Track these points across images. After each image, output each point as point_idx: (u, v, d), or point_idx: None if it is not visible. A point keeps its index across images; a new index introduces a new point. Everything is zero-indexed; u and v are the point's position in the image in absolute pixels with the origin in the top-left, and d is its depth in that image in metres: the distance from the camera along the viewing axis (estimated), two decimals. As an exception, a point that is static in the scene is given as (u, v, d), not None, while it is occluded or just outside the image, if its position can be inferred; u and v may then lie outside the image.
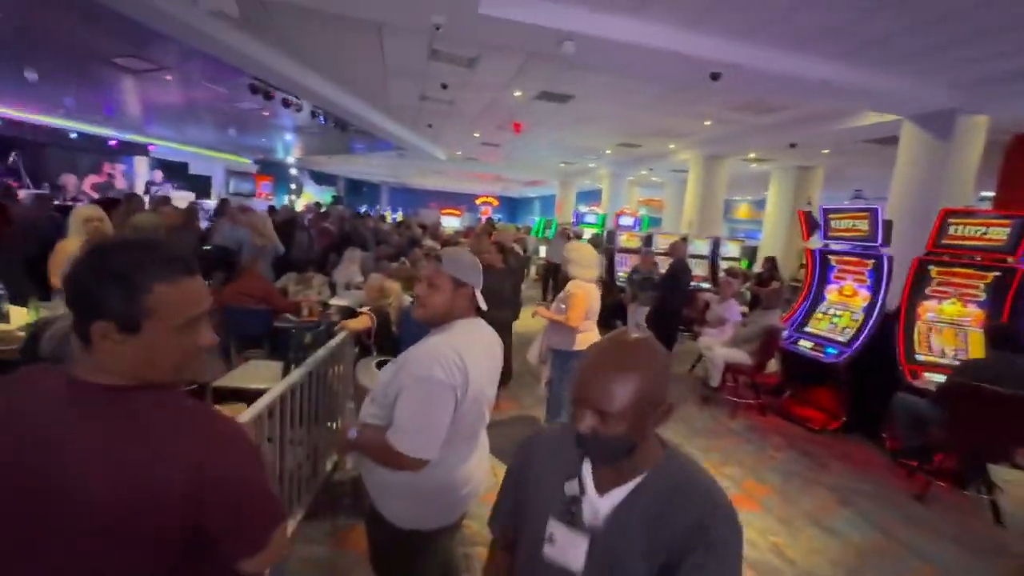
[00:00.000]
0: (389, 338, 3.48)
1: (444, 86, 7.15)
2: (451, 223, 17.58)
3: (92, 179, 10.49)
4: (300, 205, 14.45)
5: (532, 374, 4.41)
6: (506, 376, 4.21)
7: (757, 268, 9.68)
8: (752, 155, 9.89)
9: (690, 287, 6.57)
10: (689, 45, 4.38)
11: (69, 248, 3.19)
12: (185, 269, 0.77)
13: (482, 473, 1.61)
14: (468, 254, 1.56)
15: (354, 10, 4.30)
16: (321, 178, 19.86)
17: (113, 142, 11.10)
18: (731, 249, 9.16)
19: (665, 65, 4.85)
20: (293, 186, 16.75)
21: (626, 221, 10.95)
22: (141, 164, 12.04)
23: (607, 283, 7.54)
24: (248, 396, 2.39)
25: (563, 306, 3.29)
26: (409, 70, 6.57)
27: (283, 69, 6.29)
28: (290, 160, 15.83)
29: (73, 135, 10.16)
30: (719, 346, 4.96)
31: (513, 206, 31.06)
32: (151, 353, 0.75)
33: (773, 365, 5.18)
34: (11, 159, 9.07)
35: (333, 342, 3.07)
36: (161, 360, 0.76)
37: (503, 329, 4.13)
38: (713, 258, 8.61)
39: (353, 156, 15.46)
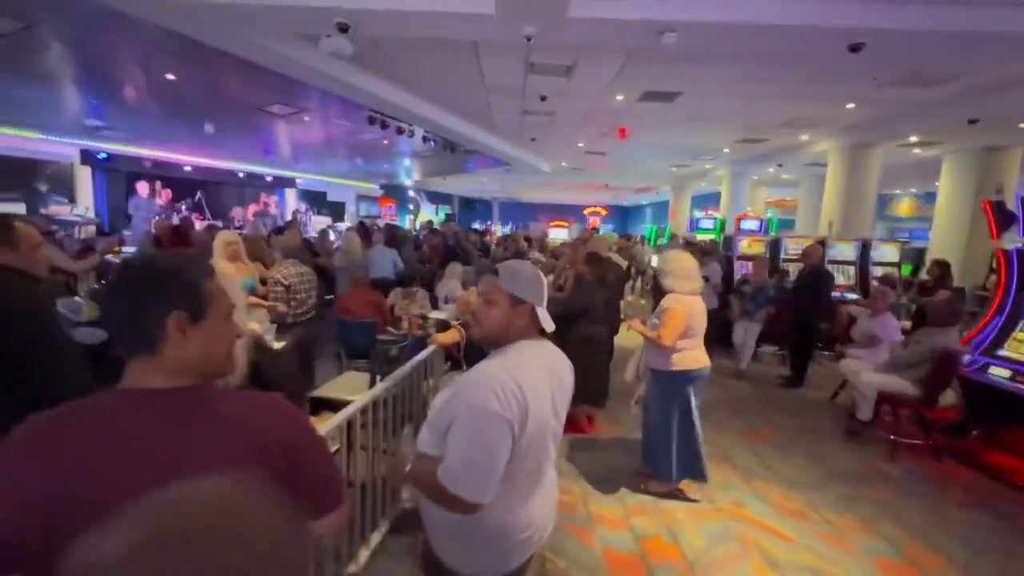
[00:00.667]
0: (478, 352, 3.45)
1: (543, 98, 7.11)
2: (560, 235, 17.53)
3: (252, 208, 12.56)
4: (419, 224, 15.59)
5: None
6: (601, 396, 3.91)
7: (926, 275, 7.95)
8: (914, 138, 8.23)
9: (830, 297, 5.58)
10: (817, 14, 3.73)
11: (217, 268, 3.71)
12: (212, 272, 0.88)
13: (546, 515, 1.40)
14: (529, 268, 1.39)
15: (449, 32, 4.43)
16: (436, 197, 21.33)
17: (269, 178, 13.16)
18: (887, 253, 7.65)
19: (788, 43, 4.20)
20: (411, 206, 18.22)
21: (750, 225, 9.82)
22: (290, 195, 14.14)
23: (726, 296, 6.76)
24: (340, 407, 2.50)
25: (656, 321, 2.94)
26: (508, 86, 6.65)
27: (395, 99, 6.79)
28: (408, 183, 17.26)
29: (240, 174, 12.27)
30: (870, 371, 4.08)
31: (623, 215, 30.12)
32: (210, 342, 0.83)
33: (949, 397, 4.12)
34: (197, 197, 11.36)
35: (420, 356, 3.10)
36: (216, 349, 0.85)
37: (597, 346, 3.86)
38: (862, 264, 7.27)
39: (464, 175, 16.31)
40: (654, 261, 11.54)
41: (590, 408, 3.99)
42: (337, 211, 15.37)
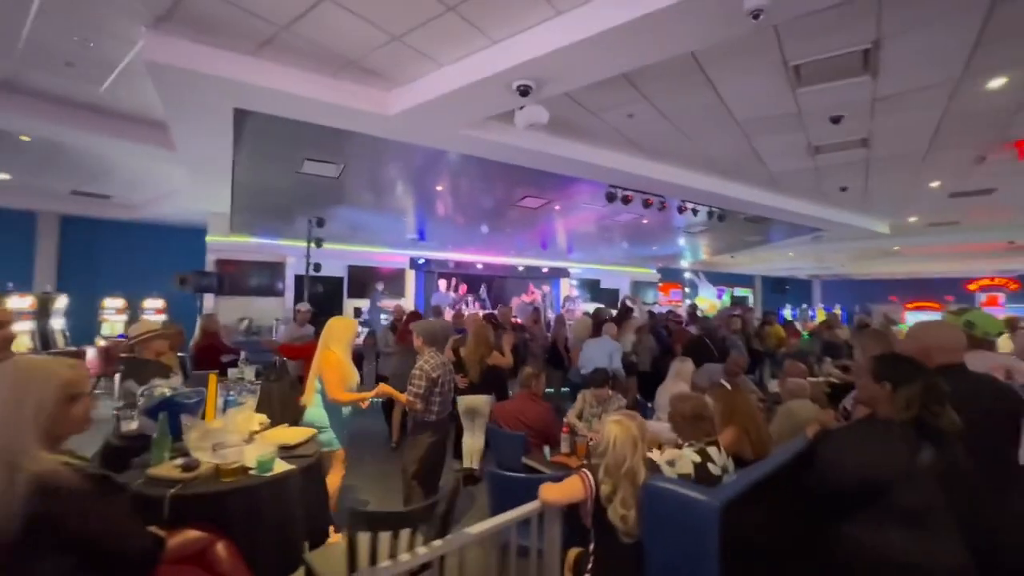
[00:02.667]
0: (606, 527, 1.87)
1: (836, 120, 4.90)
2: (929, 320, 11.75)
3: (524, 298, 13.64)
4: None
5: None
6: None
7: None
8: None
9: None
10: None
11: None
12: None
13: None
14: None
15: (645, 54, 3.38)
16: (729, 279, 18.58)
17: (545, 269, 14.18)
18: None
19: None
20: (687, 289, 16.27)
21: None
22: (564, 284, 14.82)
23: None
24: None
25: None
26: (770, 114, 4.86)
27: (626, 166, 5.96)
28: (687, 264, 15.60)
29: (520, 268, 13.63)
30: None
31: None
32: None
33: None
34: (482, 290, 13.18)
35: (509, 515, 1.87)
36: None
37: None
38: None
39: (760, 249, 13.54)
40: None
41: None
42: (611, 298, 15.15)
